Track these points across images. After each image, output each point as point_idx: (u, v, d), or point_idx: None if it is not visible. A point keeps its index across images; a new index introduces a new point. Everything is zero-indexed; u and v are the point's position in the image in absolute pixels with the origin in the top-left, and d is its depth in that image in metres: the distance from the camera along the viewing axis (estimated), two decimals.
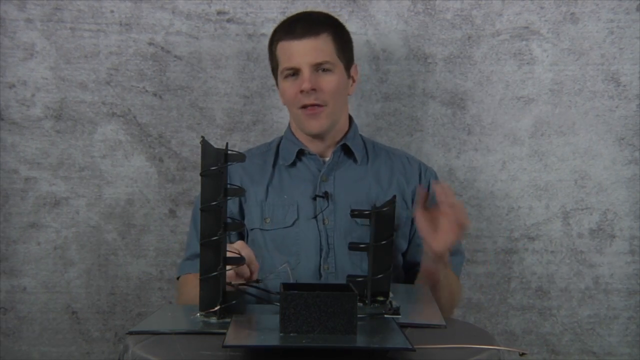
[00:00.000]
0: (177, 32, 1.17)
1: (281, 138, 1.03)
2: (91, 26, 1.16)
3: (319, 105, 0.95)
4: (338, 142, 0.99)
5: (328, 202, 0.95)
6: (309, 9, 1.05)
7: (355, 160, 0.99)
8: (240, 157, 0.76)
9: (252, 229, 0.97)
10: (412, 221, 0.97)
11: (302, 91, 0.94)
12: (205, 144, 0.75)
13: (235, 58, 1.17)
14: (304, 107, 0.95)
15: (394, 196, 0.81)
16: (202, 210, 0.75)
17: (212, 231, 0.74)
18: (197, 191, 1.17)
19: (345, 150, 0.99)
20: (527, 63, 1.17)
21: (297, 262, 0.94)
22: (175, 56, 1.17)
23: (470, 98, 1.18)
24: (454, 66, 1.17)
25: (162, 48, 1.17)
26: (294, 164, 0.99)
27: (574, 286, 1.19)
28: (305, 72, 0.94)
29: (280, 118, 1.19)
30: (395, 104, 1.18)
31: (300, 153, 0.99)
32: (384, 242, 0.79)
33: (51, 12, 1.16)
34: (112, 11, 1.16)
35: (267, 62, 1.18)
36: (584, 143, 1.18)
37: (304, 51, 0.93)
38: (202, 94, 1.18)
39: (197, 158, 1.17)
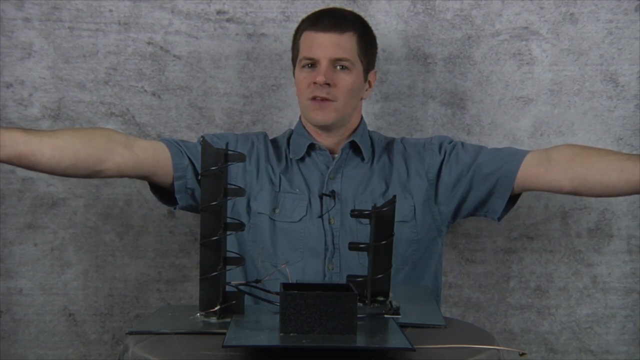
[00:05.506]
0: (176, 31, 1.17)
1: (292, 132, 1.02)
2: (90, 25, 1.16)
3: (328, 100, 0.94)
4: (347, 139, 0.99)
5: (335, 201, 0.95)
6: (329, 7, 1.04)
7: (363, 159, 0.99)
8: (240, 157, 0.76)
9: (260, 213, 0.95)
10: (458, 182, 0.96)
11: (315, 83, 0.93)
12: (205, 144, 0.75)
13: (235, 58, 1.17)
14: (314, 98, 0.95)
15: (394, 196, 0.81)
16: (202, 210, 0.75)
17: (212, 231, 0.74)
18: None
19: (354, 147, 0.99)
20: (527, 63, 1.18)
21: (298, 260, 0.93)
22: (175, 56, 1.17)
23: (470, 98, 1.18)
24: (453, 66, 1.18)
25: (161, 47, 1.17)
26: (303, 158, 0.98)
27: (572, 285, 1.20)
28: (323, 65, 0.94)
29: (280, 118, 1.19)
30: (395, 104, 1.18)
31: (311, 148, 0.98)
32: (383, 242, 0.79)
33: (49, 11, 1.15)
34: (110, 10, 1.16)
35: (267, 62, 1.19)
36: (582, 143, 1.19)
37: (325, 44, 0.94)
38: (202, 93, 1.18)
39: None
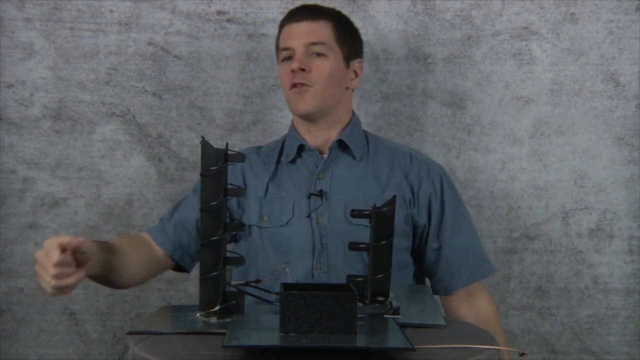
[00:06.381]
0: (177, 32, 1.17)
1: (286, 136, 1.02)
2: (90, 26, 1.16)
3: (306, 85, 0.94)
4: (336, 137, 0.97)
5: (322, 200, 0.93)
6: None
7: (354, 157, 0.97)
8: (240, 157, 0.76)
9: (250, 226, 0.95)
10: (413, 220, 0.95)
11: (292, 71, 0.94)
12: (205, 144, 0.75)
13: (235, 58, 1.17)
14: (293, 86, 0.94)
15: (394, 196, 0.80)
16: (202, 210, 0.75)
17: (212, 231, 0.74)
18: None
19: (343, 146, 0.97)
20: (527, 63, 1.18)
21: (287, 261, 0.92)
22: (175, 56, 1.17)
23: (470, 98, 1.18)
24: (453, 66, 1.18)
25: (162, 48, 1.17)
26: (294, 160, 0.97)
27: (573, 286, 1.20)
28: (298, 52, 0.94)
29: (280, 118, 1.19)
30: (395, 104, 1.18)
31: (301, 149, 0.98)
32: (383, 242, 0.79)
33: (50, 11, 1.16)
34: (111, 11, 1.16)
35: (267, 62, 1.19)
36: (583, 143, 1.19)
37: (299, 32, 0.94)
38: (202, 94, 1.18)
39: (196, 158, 1.17)
